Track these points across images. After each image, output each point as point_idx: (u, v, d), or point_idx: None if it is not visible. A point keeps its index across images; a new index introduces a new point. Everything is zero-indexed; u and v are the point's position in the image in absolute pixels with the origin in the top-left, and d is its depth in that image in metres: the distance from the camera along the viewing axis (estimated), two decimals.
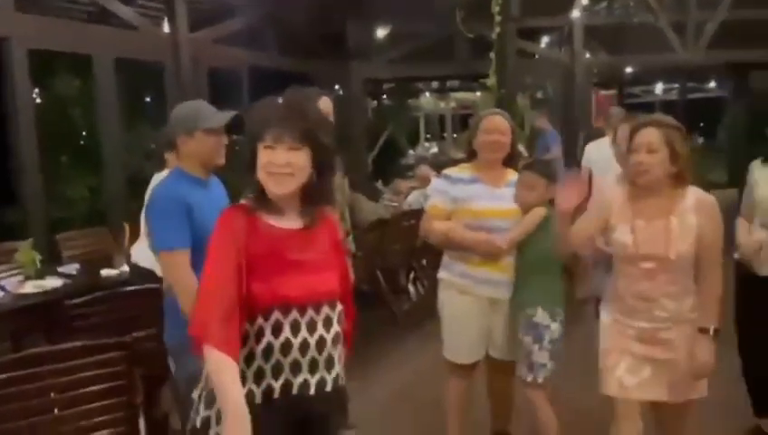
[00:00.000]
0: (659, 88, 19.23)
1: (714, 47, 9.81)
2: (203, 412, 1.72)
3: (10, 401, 2.11)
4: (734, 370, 3.19)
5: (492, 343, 2.91)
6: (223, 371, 1.60)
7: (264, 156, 1.70)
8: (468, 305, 2.86)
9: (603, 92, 14.04)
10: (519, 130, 8.79)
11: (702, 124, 17.99)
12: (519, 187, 2.79)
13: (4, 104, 5.02)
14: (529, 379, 2.78)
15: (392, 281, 5.86)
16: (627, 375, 2.37)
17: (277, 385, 1.68)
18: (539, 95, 12.59)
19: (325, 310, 1.75)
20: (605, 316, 2.47)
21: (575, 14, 8.65)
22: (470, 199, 2.79)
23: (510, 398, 3.07)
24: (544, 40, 12.12)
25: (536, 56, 10.41)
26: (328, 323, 1.75)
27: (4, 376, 2.08)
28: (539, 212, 2.75)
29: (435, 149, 15.58)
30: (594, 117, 11.33)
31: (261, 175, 1.71)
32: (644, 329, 2.36)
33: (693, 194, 2.32)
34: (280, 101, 1.89)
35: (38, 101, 7.73)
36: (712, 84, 17.31)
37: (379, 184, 8.94)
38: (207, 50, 6.83)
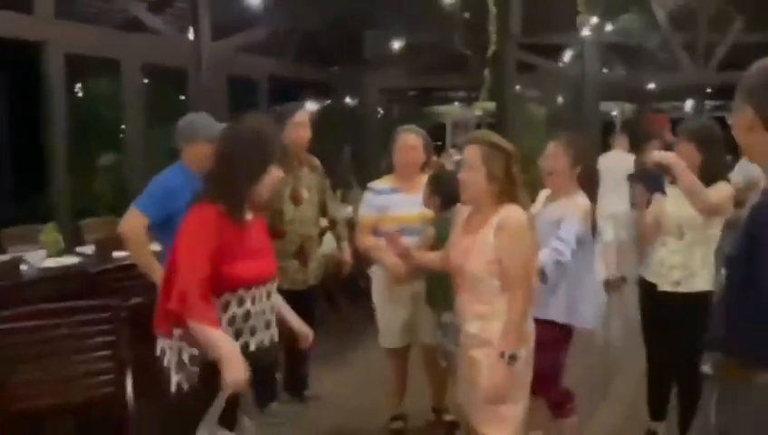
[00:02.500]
0: (689, 105, 19.38)
1: (724, 69, 10.06)
2: (175, 377, 2.14)
3: (22, 345, 2.65)
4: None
5: (418, 331, 3.32)
6: (207, 328, 2.00)
7: (275, 172, 2.22)
8: (392, 299, 3.30)
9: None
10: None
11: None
12: (424, 194, 3.15)
13: (39, 103, 5.62)
14: (444, 365, 3.21)
15: None
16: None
17: (237, 345, 2.12)
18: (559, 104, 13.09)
19: (268, 286, 2.28)
20: None
21: (584, 32, 8.97)
22: (391, 208, 3.25)
23: (443, 376, 3.40)
24: (567, 54, 12.54)
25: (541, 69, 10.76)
26: (269, 295, 2.29)
27: (18, 325, 2.62)
28: (428, 235, 3.08)
29: (458, 157, 15.98)
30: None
31: (267, 186, 2.20)
32: (462, 344, 2.46)
33: (503, 212, 2.32)
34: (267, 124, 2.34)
35: (79, 94, 8.42)
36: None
37: None
38: (228, 57, 7.39)
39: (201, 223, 2.11)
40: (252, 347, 2.19)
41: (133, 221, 2.87)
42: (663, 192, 2.84)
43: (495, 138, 2.40)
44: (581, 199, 2.93)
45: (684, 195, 2.78)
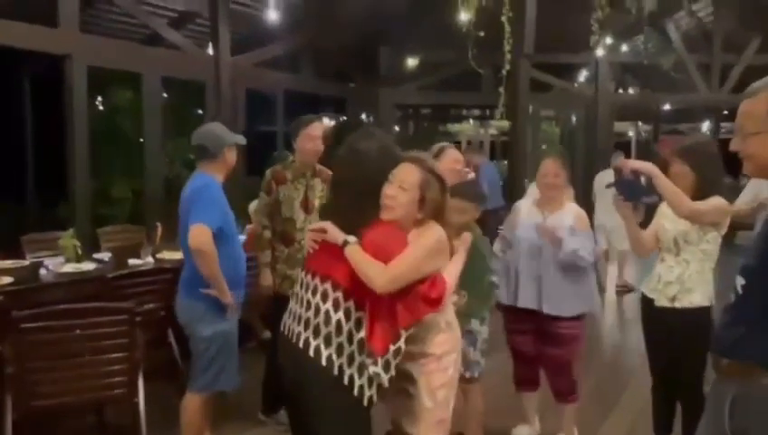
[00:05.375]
0: (705, 126, 19.40)
1: (739, 90, 10.06)
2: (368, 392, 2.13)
3: (40, 344, 2.74)
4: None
5: None
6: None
7: None
8: None
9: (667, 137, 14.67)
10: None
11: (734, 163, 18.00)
12: (451, 212, 3.20)
13: (63, 113, 5.78)
14: (467, 375, 3.21)
15: None
16: None
17: None
18: (573, 122, 13.20)
19: None
20: None
21: (599, 52, 9.03)
22: None
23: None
24: (583, 74, 12.65)
25: (556, 89, 10.86)
26: None
27: (38, 324, 2.71)
28: (466, 240, 3.17)
29: (472, 175, 16.08)
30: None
31: None
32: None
33: (422, 228, 2.25)
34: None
35: (100, 108, 8.64)
36: None
37: None
38: (246, 72, 7.54)
39: (401, 238, 2.15)
40: None
41: (204, 236, 2.88)
42: (643, 200, 2.82)
43: (433, 163, 2.33)
44: (579, 209, 3.38)
45: (666, 202, 2.82)
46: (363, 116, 11.06)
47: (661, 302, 3.00)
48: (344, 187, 2.23)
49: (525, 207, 3.49)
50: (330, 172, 3.84)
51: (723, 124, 16.01)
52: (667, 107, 15.08)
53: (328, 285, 2.14)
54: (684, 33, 10.41)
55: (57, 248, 4.51)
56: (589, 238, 3.28)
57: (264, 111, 8.68)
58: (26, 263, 4.27)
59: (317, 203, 3.67)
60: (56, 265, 4.14)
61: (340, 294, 2.12)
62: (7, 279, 3.69)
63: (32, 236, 5.08)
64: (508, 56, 6.59)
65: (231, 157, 3.19)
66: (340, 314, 2.11)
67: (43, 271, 4.02)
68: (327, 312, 2.12)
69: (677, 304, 2.95)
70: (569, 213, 3.33)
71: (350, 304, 2.12)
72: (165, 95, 7.89)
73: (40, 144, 8.83)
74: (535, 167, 3.51)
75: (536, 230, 3.29)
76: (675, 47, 10.18)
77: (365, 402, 2.13)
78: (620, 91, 12.97)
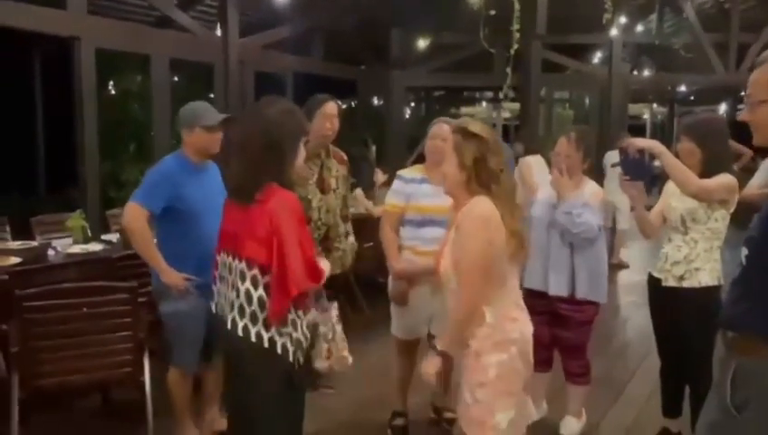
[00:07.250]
0: (723, 108, 19.12)
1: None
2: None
3: (44, 323, 2.75)
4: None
5: (433, 324, 3.15)
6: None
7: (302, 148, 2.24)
8: (411, 291, 3.17)
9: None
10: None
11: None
12: None
13: (72, 96, 5.77)
14: None
15: None
16: None
17: None
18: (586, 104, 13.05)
19: None
20: None
21: (613, 32, 8.88)
22: (418, 197, 3.16)
23: (447, 373, 3.17)
24: (597, 55, 12.48)
25: (570, 70, 10.70)
26: None
27: (41, 303, 2.72)
28: None
29: None
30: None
31: (300, 162, 2.24)
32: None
33: (467, 205, 2.18)
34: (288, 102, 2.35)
35: (112, 92, 8.65)
36: None
37: None
38: (255, 54, 7.50)
39: (295, 209, 2.11)
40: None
41: (134, 215, 2.89)
42: (648, 179, 2.77)
43: (473, 126, 2.22)
44: (596, 187, 3.26)
45: (673, 180, 2.79)
46: (374, 99, 11.00)
47: (669, 282, 2.96)
48: (245, 149, 2.14)
49: (544, 186, 3.39)
50: (343, 155, 3.82)
51: (740, 106, 15.75)
52: (683, 88, 14.90)
53: (243, 265, 2.13)
54: (700, 13, 10.21)
55: (66, 230, 4.54)
56: (593, 212, 3.10)
57: (273, 94, 8.61)
58: (35, 244, 4.29)
59: (333, 183, 3.65)
60: (64, 247, 4.16)
61: (256, 271, 2.10)
62: (15, 259, 3.71)
63: (41, 218, 5.12)
64: (517, 36, 6.48)
65: (192, 140, 3.02)
66: (261, 291, 2.11)
67: (51, 252, 4.03)
68: (247, 290, 2.12)
69: (685, 284, 2.90)
70: (586, 192, 3.20)
71: (268, 278, 2.10)
72: (175, 79, 7.88)
73: (50, 128, 8.86)
74: (551, 148, 3.43)
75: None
76: (691, 27, 10.00)
77: (292, 361, 2.14)
78: (635, 72, 12.80)
